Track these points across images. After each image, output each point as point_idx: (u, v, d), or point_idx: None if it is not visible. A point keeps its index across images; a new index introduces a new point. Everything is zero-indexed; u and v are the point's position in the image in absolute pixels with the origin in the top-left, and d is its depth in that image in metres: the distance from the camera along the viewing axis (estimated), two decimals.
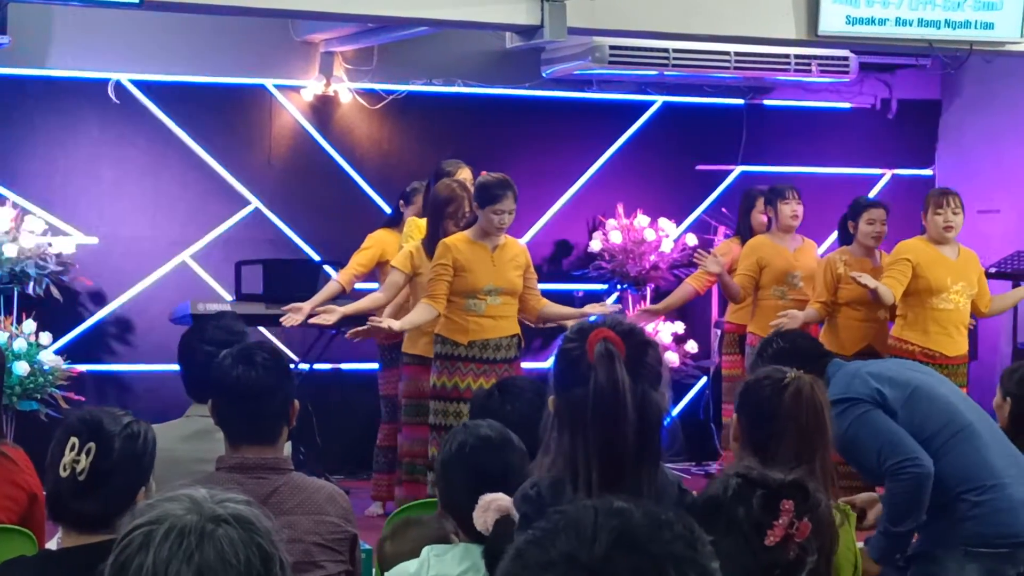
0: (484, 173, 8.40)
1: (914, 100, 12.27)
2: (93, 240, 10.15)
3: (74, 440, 3.47)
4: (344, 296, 8.98)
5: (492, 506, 3.58)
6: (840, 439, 4.48)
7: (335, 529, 4.42)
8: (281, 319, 8.58)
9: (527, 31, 7.98)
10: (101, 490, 3.48)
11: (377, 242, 9.32)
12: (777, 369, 4.21)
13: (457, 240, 8.05)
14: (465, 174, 8.95)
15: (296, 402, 4.51)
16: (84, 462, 3.46)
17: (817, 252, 9.66)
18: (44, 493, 3.93)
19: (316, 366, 10.14)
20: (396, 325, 7.91)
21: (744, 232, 9.93)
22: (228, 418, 4.40)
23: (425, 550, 3.81)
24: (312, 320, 8.47)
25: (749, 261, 9.30)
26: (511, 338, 8.03)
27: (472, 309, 7.94)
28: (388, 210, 10.23)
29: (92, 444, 3.48)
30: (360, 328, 8.43)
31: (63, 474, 3.46)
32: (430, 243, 8.27)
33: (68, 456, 3.47)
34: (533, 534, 1.76)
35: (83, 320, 10.27)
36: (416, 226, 8.86)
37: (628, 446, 3.17)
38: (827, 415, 4.08)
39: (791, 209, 9.30)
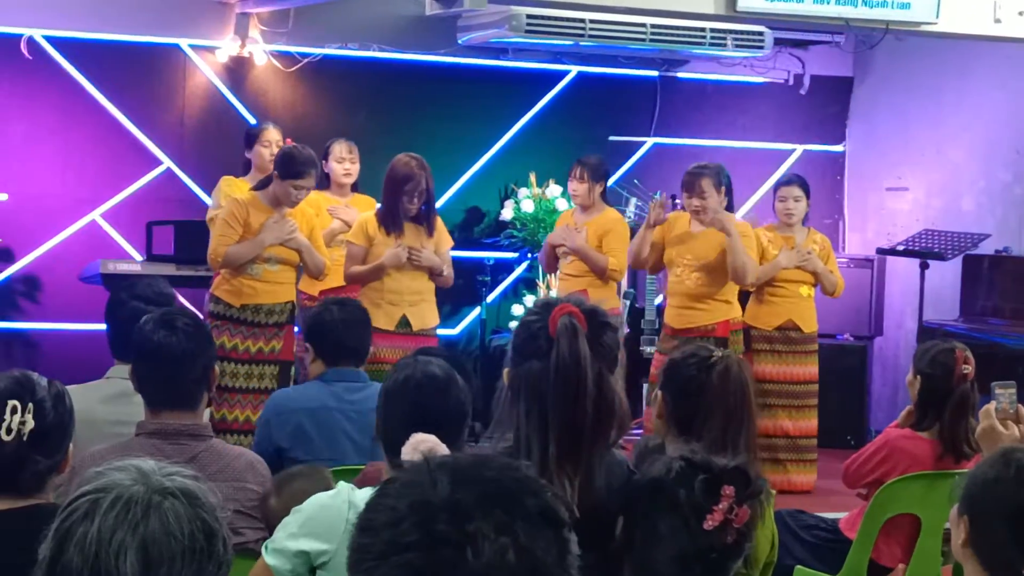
0: (289, 141, 8.32)
1: (827, 76, 12.36)
2: (3, 197, 10.00)
3: (15, 403, 3.42)
4: None
5: (421, 447, 3.55)
6: None
7: (254, 496, 4.42)
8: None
9: None
10: (38, 451, 3.43)
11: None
12: (703, 347, 4.20)
13: (248, 200, 7.95)
14: (273, 135, 8.85)
15: (216, 368, 4.51)
16: (31, 423, 3.42)
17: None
18: None
19: None
20: None
21: None
22: (148, 383, 4.39)
23: (344, 486, 3.76)
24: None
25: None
26: (284, 304, 7.96)
27: (249, 273, 7.84)
28: None
29: (31, 405, 3.43)
30: None
31: (6, 438, 3.40)
32: (387, 217, 8.05)
33: (12, 419, 3.41)
34: (371, 503, 1.79)
35: None
36: (235, 185, 8.61)
37: (588, 420, 3.19)
38: (752, 393, 4.08)
39: (571, 187, 9.43)
